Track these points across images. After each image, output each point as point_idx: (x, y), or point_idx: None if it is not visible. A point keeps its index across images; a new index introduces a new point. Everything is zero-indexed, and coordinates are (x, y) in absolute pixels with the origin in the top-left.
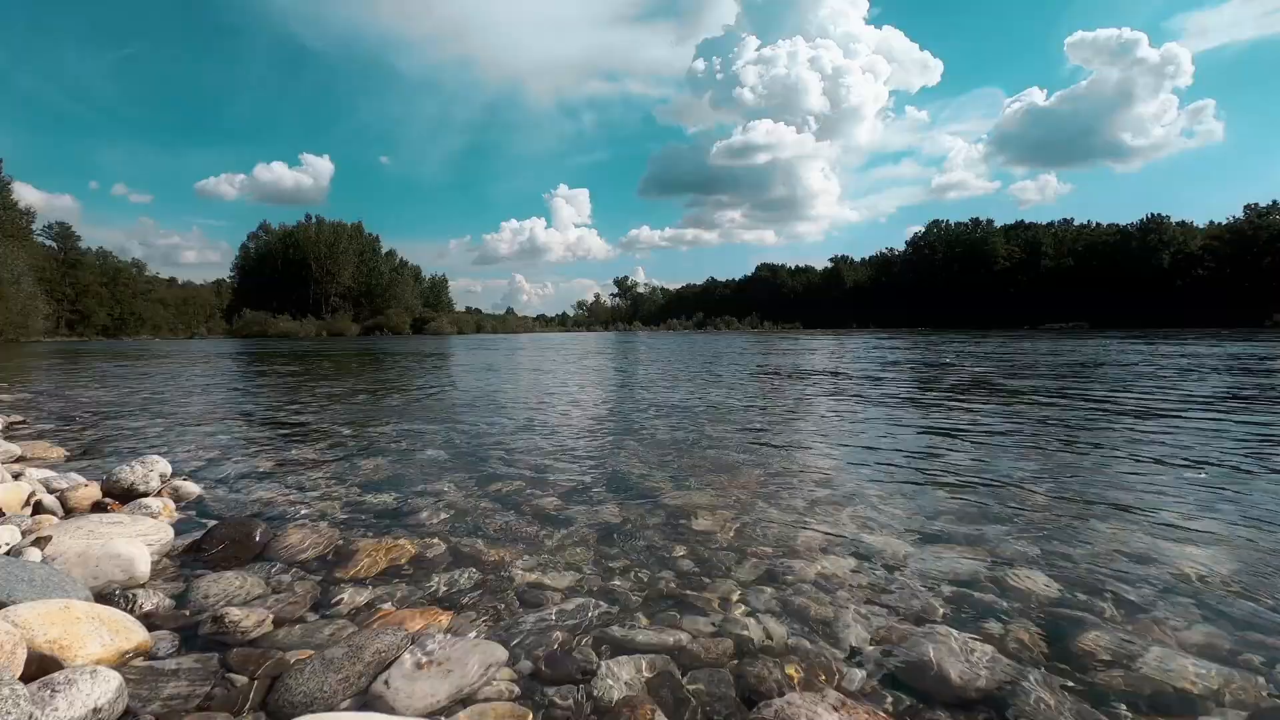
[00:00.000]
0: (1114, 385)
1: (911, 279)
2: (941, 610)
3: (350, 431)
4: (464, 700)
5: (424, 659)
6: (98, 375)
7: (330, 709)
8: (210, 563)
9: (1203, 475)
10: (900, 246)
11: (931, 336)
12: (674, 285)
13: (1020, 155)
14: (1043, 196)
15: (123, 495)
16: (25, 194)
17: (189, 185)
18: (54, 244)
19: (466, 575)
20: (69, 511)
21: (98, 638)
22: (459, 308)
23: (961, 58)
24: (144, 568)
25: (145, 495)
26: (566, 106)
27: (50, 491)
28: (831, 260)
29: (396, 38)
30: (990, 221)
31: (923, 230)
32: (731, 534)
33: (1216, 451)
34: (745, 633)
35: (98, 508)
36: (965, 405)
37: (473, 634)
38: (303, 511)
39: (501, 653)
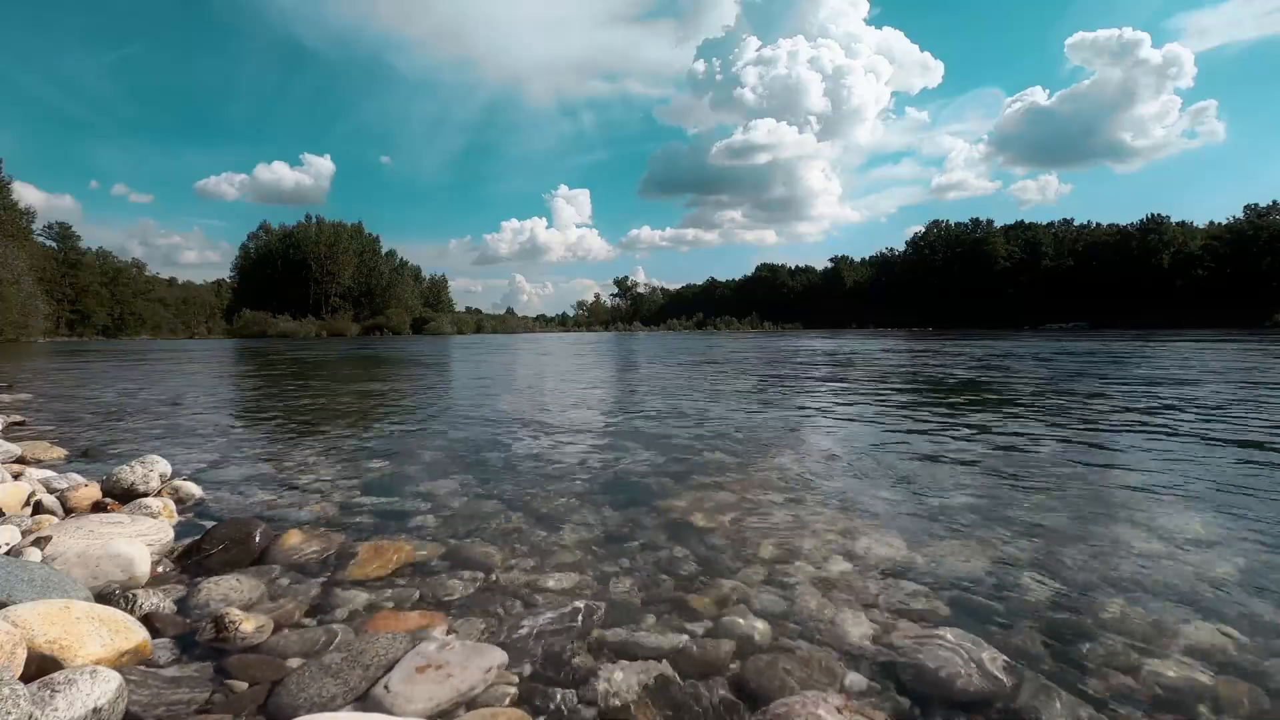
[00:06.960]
0: (1139, 388)
1: (912, 279)
2: (943, 611)
3: (351, 433)
4: (464, 704)
5: (424, 662)
6: (98, 375)
7: (331, 713)
8: (210, 564)
9: (1212, 476)
10: (900, 247)
11: (941, 337)
12: (674, 285)
13: (1020, 155)
14: (1043, 196)
15: (123, 495)
16: (25, 194)
17: (189, 185)
18: (54, 244)
19: (467, 578)
20: (69, 511)
21: (98, 638)
22: (459, 308)
23: (962, 58)
24: (144, 568)
25: (145, 495)
26: (566, 106)
27: (50, 491)
28: (832, 260)
29: (396, 38)
30: (990, 222)
31: (923, 230)
32: (732, 536)
33: (1232, 452)
34: (746, 635)
35: (98, 508)
36: (967, 406)
37: (473, 637)
38: (303, 513)
39: (502, 656)
